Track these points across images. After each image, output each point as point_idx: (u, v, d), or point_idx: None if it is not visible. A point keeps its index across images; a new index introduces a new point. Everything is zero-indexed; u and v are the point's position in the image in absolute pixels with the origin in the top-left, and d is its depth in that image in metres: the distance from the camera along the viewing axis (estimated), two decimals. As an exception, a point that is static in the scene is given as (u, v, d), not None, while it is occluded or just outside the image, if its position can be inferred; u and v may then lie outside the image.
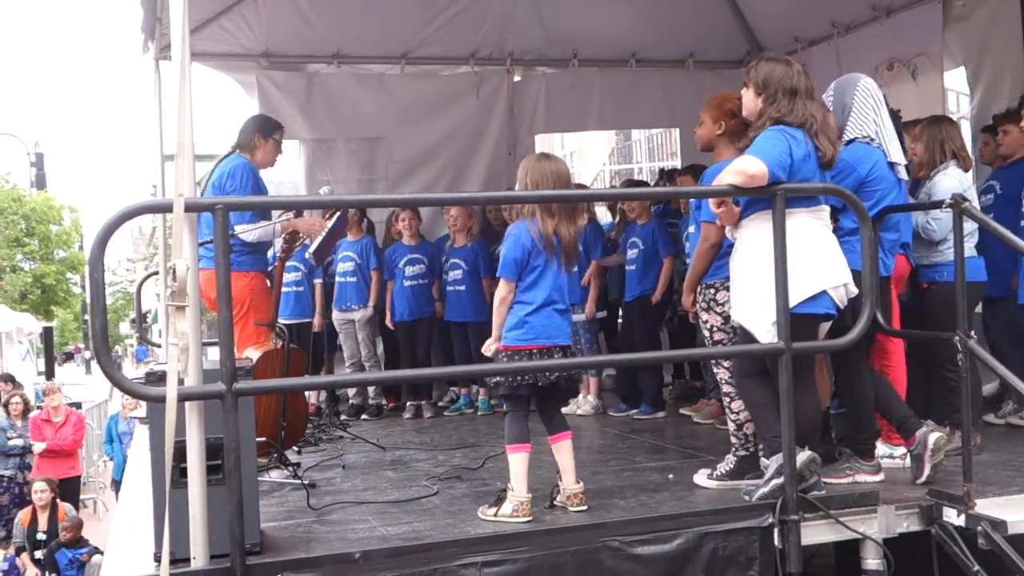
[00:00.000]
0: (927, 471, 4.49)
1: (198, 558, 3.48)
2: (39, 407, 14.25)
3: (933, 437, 4.51)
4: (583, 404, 7.48)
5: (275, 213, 5.82)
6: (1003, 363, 4.24)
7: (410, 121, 9.00)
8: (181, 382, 3.40)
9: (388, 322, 8.05)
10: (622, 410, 7.33)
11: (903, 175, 4.81)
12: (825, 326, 4.38)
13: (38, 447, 11.72)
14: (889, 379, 4.84)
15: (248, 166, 5.71)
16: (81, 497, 12.99)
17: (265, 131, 5.87)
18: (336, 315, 8.17)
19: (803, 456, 4.08)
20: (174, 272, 3.41)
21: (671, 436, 6.46)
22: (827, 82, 4.93)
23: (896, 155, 4.73)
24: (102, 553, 9.22)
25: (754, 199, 4.19)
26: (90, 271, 3.47)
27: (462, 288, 7.85)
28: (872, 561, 4.14)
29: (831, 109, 4.79)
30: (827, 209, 4.39)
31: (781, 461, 4.08)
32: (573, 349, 4.51)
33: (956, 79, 8.11)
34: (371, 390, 8.17)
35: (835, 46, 8.27)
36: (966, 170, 5.45)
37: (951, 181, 5.22)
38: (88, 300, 3.53)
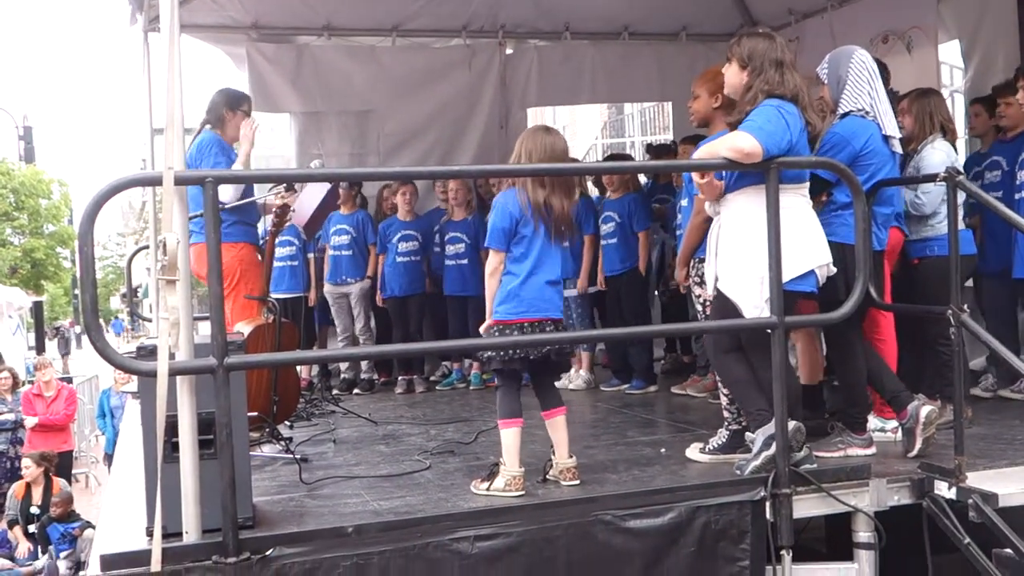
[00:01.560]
0: (919, 444, 4.51)
1: (190, 532, 3.48)
2: (31, 382, 14.23)
3: (925, 411, 4.52)
4: (575, 378, 7.49)
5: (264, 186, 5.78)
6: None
7: (401, 94, 8.94)
8: (172, 356, 3.39)
9: (379, 300, 8.03)
10: (614, 384, 7.34)
11: (898, 148, 4.79)
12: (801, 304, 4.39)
13: (30, 422, 11.70)
14: (881, 353, 4.84)
15: (215, 139, 5.65)
16: (73, 472, 12.99)
17: (232, 104, 5.79)
18: (329, 288, 8.15)
19: (790, 426, 4.07)
20: (164, 246, 3.38)
21: (663, 410, 6.47)
22: (821, 55, 4.90)
23: (891, 128, 4.71)
24: (94, 527, 9.24)
25: (743, 173, 4.17)
26: (80, 245, 3.44)
27: (464, 262, 7.81)
28: (863, 534, 4.17)
29: (826, 82, 4.77)
30: (807, 187, 4.38)
31: (768, 433, 4.09)
32: (565, 324, 4.48)
33: (950, 52, 8.08)
34: (363, 364, 8.16)
35: (829, 19, 8.21)
36: (952, 142, 5.44)
37: (940, 155, 5.20)
38: (78, 274, 3.48)
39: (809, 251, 4.20)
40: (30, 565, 9.69)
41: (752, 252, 4.09)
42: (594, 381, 7.56)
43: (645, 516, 3.95)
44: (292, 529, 3.72)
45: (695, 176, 4.36)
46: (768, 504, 4.04)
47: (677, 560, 3.95)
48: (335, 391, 7.90)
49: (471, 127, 9.17)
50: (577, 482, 4.23)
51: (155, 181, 3.62)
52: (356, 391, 7.95)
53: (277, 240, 6.63)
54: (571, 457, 4.28)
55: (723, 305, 4.32)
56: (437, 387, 8.00)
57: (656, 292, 7.78)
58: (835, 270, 4.30)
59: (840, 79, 4.71)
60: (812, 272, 4.23)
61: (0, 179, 31.84)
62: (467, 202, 7.93)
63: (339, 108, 8.89)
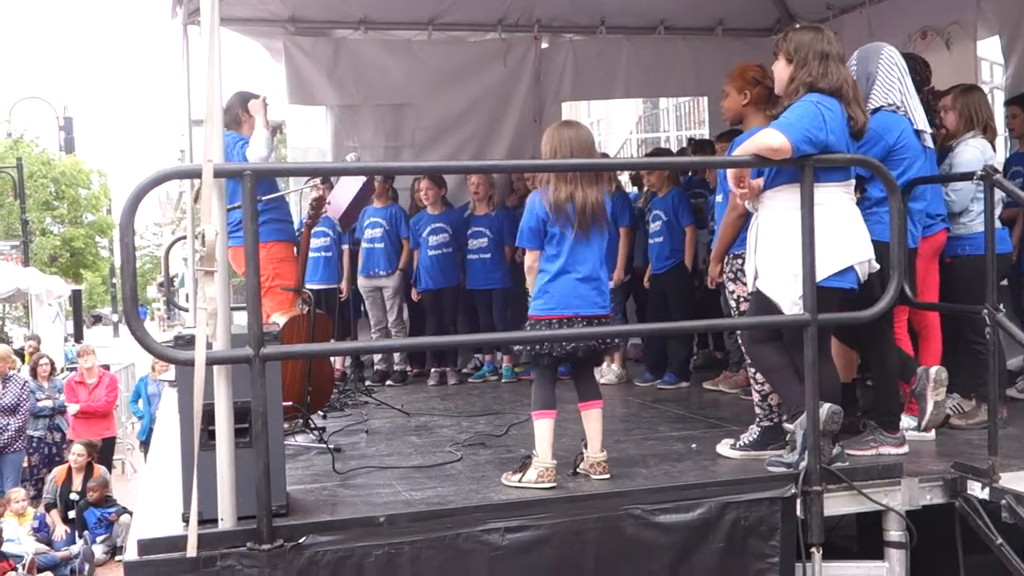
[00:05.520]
0: (930, 407, 4.45)
1: (225, 519, 3.53)
2: (69, 369, 14.44)
3: (934, 370, 4.48)
4: (607, 373, 7.49)
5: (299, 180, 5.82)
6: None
7: (437, 88, 8.96)
8: (210, 346, 3.44)
9: (414, 295, 8.09)
10: (647, 379, 7.34)
11: (929, 143, 4.76)
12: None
13: (72, 409, 11.87)
14: (930, 352, 4.83)
15: (235, 138, 5.71)
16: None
17: (246, 103, 5.86)
18: (363, 282, 8.21)
19: (825, 409, 4.06)
20: (203, 237, 3.44)
21: (695, 406, 6.47)
22: (859, 51, 4.87)
23: (922, 123, 4.68)
24: (130, 513, 9.38)
25: (781, 170, 4.16)
26: (120, 234, 3.51)
27: (487, 256, 7.85)
28: (894, 533, 4.15)
29: (855, 79, 4.74)
30: (853, 183, 4.37)
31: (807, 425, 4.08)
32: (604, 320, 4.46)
33: (990, 48, 7.99)
34: (396, 356, 8.22)
35: (867, 14, 8.14)
36: (992, 140, 5.39)
37: (972, 152, 5.15)
38: (118, 264, 3.54)
39: (849, 247, 4.18)
40: (67, 549, 9.84)
41: (790, 249, 4.08)
42: (626, 376, 7.56)
43: (675, 511, 3.96)
44: (325, 517, 3.77)
45: (732, 186, 4.36)
46: (799, 501, 4.04)
47: (706, 555, 3.96)
48: (368, 382, 7.96)
49: (505, 121, 9.18)
50: (607, 476, 4.25)
51: (195, 174, 3.68)
52: (389, 382, 8.00)
53: (312, 232, 6.68)
54: (602, 451, 4.30)
55: (761, 301, 4.31)
56: (469, 380, 8.04)
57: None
58: (877, 267, 4.27)
59: (870, 75, 4.68)
60: (852, 269, 4.21)
61: (40, 169, 32.25)
62: (488, 197, 7.96)
63: (375, 101, 8.93)
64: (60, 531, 10.12)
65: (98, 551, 9.83)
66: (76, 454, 10.50)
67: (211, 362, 3.44)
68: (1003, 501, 3.96)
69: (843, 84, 4.21)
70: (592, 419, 4.34)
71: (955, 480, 4.22)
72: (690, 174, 8.25)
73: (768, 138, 4.02)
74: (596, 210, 4.27)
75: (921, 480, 4.23)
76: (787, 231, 4.12)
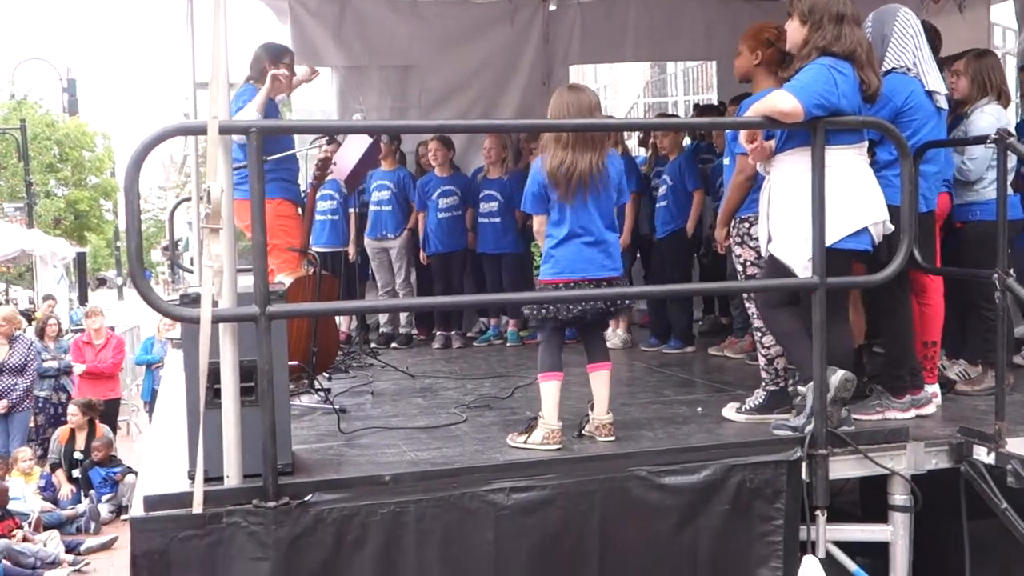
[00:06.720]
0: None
1: (231, 477, 3.54)
2: (74, 331, 14.47)
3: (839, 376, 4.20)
4: (612, 337, 7.46)
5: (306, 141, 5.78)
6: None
7: (443, 49, 8.89)
8: (215, 304, 3.43)
9: (423, 258, 8.06)
10: (653, 344, 7.34)
11: (942, 104, 4.70)
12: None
13: (78, 369, 11.92)
14: (927, 317, 4.80)
15: (255, 92, 5.64)
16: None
17: (274, 57, 5.75)
18: (369, 243, 8.17)
19: (838, 376, 4.05)
20: (208, 195, 3.42)
21: (700, 370, 6.46)
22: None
23: (935, 83, 4.62)
24: (135, 473, 9.43)
25: (794, 132, 4.13)
26: (126, 191, 3.49)
27: (497, 220, 7.80)
28: (899, 497, 4.16)
29: (870, 40, 4.68)
30: (867, 145, 4.33)
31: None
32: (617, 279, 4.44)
33: (1003, 13, 7.90)
34: (402, 319, 8.21)
35: (880, -23, 8.04)
36: (1006, 106, 5.34)
37: (988, 119, 5.09)
38: (122, 227, 3.50)
39: (863, 208, 4.15)
40: (72, 508, 9.91)
41: (803, 212, 4.05)
42: (631, 340, 7.55)
43: (680, 473, 3.96)
44: (331, 476, 3.78)
45: (744, 143, 4.32)
46: (804, 464, 4.04)
47: (711, 517, 3.97)
48: (373, 345, 7.96)
49: (513, 83, 9.10)
50: (613, 438, 4.25)
51: (200, 130, 3.65)
52: (394, 345, 7.99)
53: (318, 194, 6.66)
54: (608, 413, 4.30)
55: (775, 265, 4.29)
56: (474, 343, 8.03)
57: (697, 255, 7.73)
58: (892, 228, 4.24)
59: (884, 37, 4.62)
60: (867, 230, 4.18)
61: (44, 130, 32.20)
62: (501, 160, 7.91)
63: (381, 62, 8.86)
64: (66, 490, 10.19)
65: (104, 510, 9.89)
66: (72, 414, 10.57)
67: (216, 320, 3.42)
68: (1009, 466, 3.96)
69: (857, 47, 4.16)
70: (600, 381, 4.33)
71: (961, 445, 4.21)
72: (698, 140, 8.20)
73: (780, 101, 3.98)
74: (594, 175, 4.23)
75: (927, 445, 4.22)
76: (800, 194, 4.08)
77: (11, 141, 27.83)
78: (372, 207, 8.14)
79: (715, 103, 8.65)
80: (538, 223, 4.38)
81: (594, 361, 4.37)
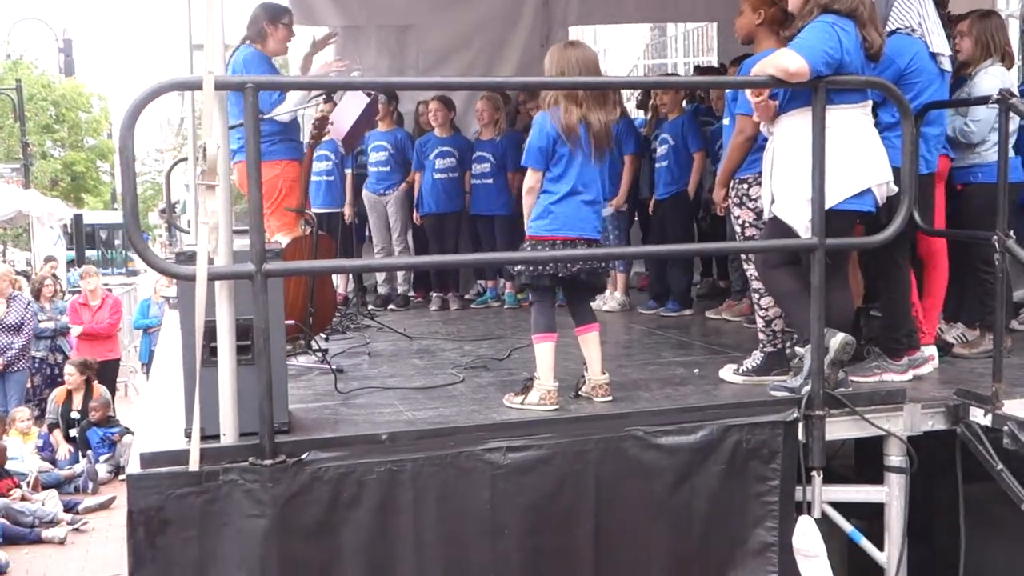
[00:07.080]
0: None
1: (228, 434, 3.54)
2: (71, 292, 14.44)
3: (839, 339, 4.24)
4: (609, 300, 7.47)
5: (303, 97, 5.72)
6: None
7: (442, 9, 8.82)
8: (211, 262, 3.41)
9: (416, 219, 8.02)
10: (651, 307, 7.32)
11: (946, 66, 4.66)
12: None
13: (75, 330, 11.90)
14: (936, 281, 4.79)
15: (259, 55, 5.58)
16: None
17: (273, 17, 5.70)
18: (368, 195, 8.13)
19: (838, 338, 4.05)
20: (204, 152, 3.38)
21: (698, 333, 6.46)
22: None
23: (939, 45, 4.58)
24: (132, 433, 9.45)
25: (797, 93, 4.08)
26: (120, 147, 3.45)
27: (489, 181, 7.77)
28: (895, 458, 4.17)
29: (874, 1, 4.63)
30: (870, 104, 4.29)
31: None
32: (603, 243, 4.45)
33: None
34: (399, 278, 8.19)
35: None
36: (1009, 68, 5.29)
37: (992, 80, 5.04)
38: (119, 177, 3.47)
39: (867, 169, 4.12)
40: (70, 468, 9.94)
41: (805, 173, 4.02)
42: (628, 303, 7.54)
43: (677, 433, 3.96)
44: (327, 434, 3.77)
45: (750, 95, 4.27)
46: (801, 425, 4.04)
47: (707, 477, 3.97)
48: (370, 306, 7.95)
49: (511, 45, 9.04)
50: (609, 398, 4.25)
51: (195, 86, 3.59)
52: (391, 307, 7.98)
53: (315, 155, 6.61)
54: (604, 374, 4.30)
55: (777, 226, 4.27)
56: (471, 305, 8.02)
57: (695, 218, 7.71)
58: (895, 189, 4.21)
59: (889, -3, 4.57)
60: (870, 191, 4.16)
61: (40, 91, 31.98)
62: (495, 122, 7.84)
63: (379, 22, 8.79)
64: (63, 450, 10.21)
65: (102, 470, 9.92)
66: (68, 374, 10.59)
67: (212, 277, 3.40)
68: (1005, 428, 3.96)
69: (859, 5, 4.11)
70: (590, 343, 4.32)
71: (957, 407, 4.22)
72: (697, 103, 8.14)
73: (785, 60, 3.94)
74: (607, 132, 4.23)
75: (923, 406, 4.23)
76: (803, 154, 4.05)
77: (7, 102, 27.63)
78: (370, 168, 8.10)
79: (715, 65, 8.59)
80: (534, 179, 4.29)
81: (581, 324, 4.36)
